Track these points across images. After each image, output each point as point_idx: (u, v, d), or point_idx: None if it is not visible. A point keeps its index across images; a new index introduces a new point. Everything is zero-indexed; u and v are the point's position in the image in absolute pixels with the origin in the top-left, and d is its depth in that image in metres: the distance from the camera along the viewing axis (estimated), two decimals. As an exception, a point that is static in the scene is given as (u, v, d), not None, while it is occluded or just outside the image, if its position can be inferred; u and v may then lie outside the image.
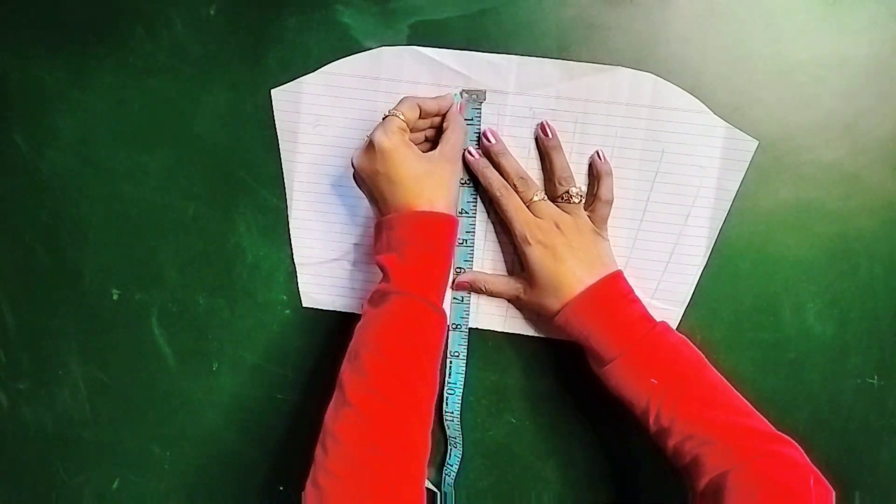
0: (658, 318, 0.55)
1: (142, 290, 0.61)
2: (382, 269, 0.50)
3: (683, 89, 0.53)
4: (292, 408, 0.61)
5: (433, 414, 0.49)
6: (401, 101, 0.51)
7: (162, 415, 0.62)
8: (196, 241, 0.60)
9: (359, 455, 0.45)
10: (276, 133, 0.57)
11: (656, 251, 0.56)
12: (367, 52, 0.55)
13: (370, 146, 0.49)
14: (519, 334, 0.58)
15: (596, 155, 0.54)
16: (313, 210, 0.58)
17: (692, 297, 0.56)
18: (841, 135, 0.54)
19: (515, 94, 0.54)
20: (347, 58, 0.55)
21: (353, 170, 0.51)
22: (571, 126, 0.54)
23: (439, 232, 0.50)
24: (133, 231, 0.60)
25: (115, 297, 0.61)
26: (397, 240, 0.49)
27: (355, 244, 0.58)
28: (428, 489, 0.60)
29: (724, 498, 0.45)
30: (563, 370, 0.58)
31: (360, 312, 0.57)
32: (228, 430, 0.62)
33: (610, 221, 0.55)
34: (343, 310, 0.59)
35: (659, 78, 0.53)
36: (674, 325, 0.57)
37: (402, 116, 0.50)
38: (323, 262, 0.59)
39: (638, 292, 0.56)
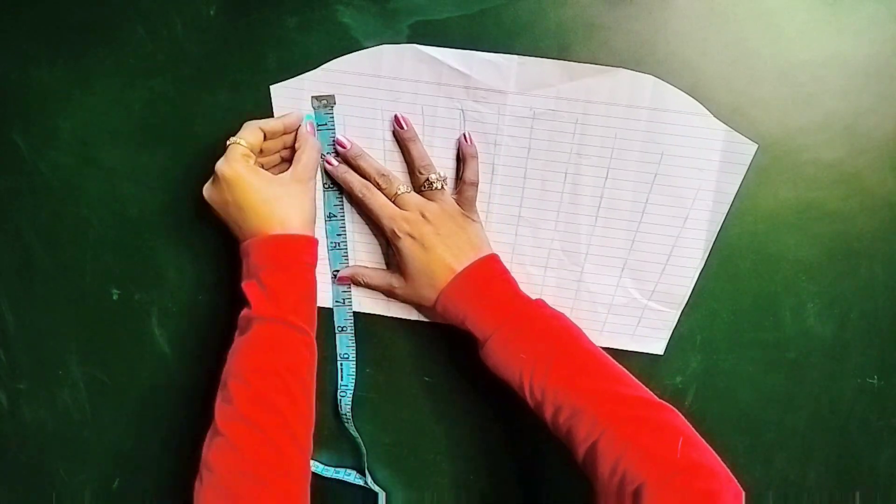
0: (655, 320, 0.54)
1: (142, 290, 0.61)
2: (244, 296, 0.51)
3: (683, 89, 0.53)
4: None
5: (310, 431, 0.51)
6: (243, 127, 0.53)
7: (162, 415, 0.62)
8: (196, 240, 0.60)
9: (231, 483, 0.47)
10: (276, 133, 0.57)
11: (654, 253, 0.56)
12: (368, 49, 0.55)
13: (216, 177, 0.51)
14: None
15: (462, 137, 0.54)
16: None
17: (691, 298, 0.56)
18: (841, 135, 0.54)
19: (515, 94, 0.54)
20: (348, 55, 0.55)
21: (207, 201, 0.53)
22: (571, 127, 0.54)
23: (293, 253, 0.51)
24: (133, 231, 0.60)
25: (115, 297, 0.61)
26: (254, 265, 0.50)
27: (355, 242, 0.58)
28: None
29: (596, 466, 0.45)
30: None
31: (359, 310, 0.58)
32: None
33: (609, 222, 0.55)
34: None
35: (659, 80, 0.53)
36: (670, 327, 0.57)
37: (243, 143, 0.51)
38: (322, 258, 0.59)
39: (635, 294, 0.56)
